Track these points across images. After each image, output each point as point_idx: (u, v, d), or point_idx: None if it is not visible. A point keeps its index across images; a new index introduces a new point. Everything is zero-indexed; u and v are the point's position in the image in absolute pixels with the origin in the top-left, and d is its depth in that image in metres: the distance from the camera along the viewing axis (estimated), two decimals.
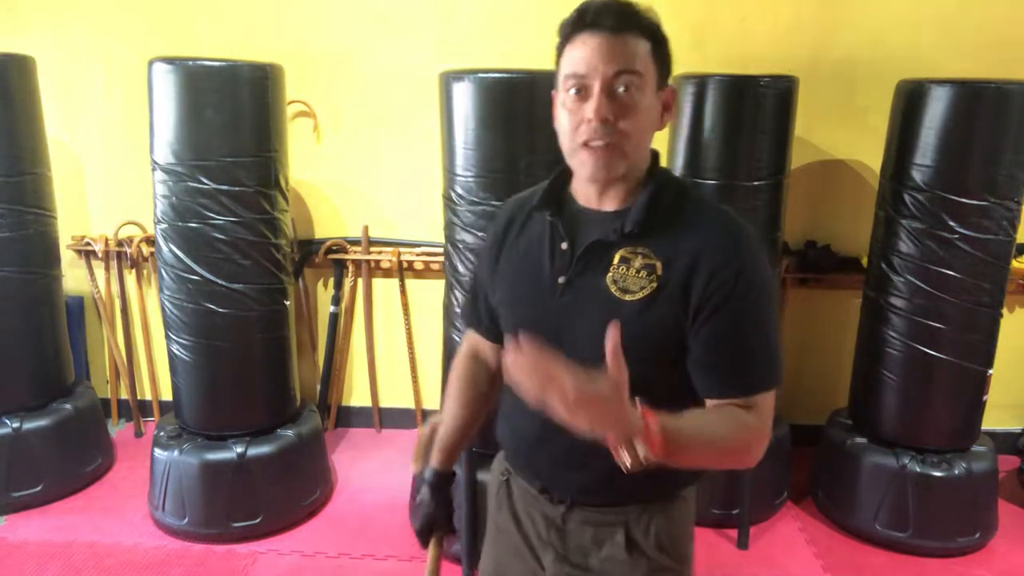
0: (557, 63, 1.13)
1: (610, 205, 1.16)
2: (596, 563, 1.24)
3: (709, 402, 1.13)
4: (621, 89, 1.06)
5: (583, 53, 1.07)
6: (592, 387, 0.88)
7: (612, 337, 0.91)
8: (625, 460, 0.93)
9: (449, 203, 2.53)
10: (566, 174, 1.22)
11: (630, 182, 1.15)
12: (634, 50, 1.06)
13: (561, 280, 1.16)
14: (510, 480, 1.35)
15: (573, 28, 1.08)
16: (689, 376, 1.14)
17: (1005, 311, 2.69)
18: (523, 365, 0.89)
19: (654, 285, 1.10)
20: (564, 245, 1.16)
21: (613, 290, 1.12)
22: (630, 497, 1.22)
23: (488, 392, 1.40)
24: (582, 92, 1.08)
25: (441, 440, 1.39)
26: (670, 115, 1.15)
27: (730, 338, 1.10)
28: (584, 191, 1.19)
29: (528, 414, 1.08)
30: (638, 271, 1.11)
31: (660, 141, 3.12)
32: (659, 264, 1.10)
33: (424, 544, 1.41)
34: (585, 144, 1.08)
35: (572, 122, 1.09)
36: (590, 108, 1.06)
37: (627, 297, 1.11)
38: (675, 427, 0.96)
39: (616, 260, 1.13)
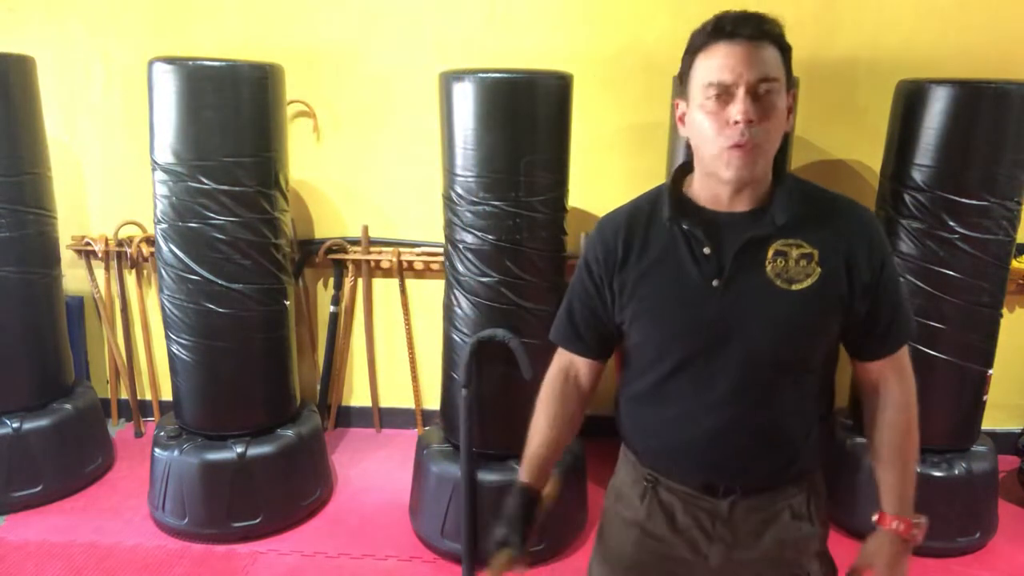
0: (688, 72, 1.18)
1: (742, 206, 1.22)
2: (768, 543, 1.31)
3: (869, 364, 1.30)
4: (762, 93, 1.12)
5: (726, 61, 1.12)
6: None
7: None
8: None
9: (449, 203, 2.53)
10: (680, 179, 1.28)
11: (761, 182, 1.21)
12: (771, 58, 1.14)
13: (716, 283, 1.20)
14: (656, 486, 1.34)
15: (711, 37, 1.15)
16: (834, 347, 1.29)
17: (1005, 311, 2.69)
18: None
19: (819, 271, 1.19)
20: (707, 250, 1.20)
21: (778, 283, 1.19)
22: (796, 475, 1.31)
23: (576, 412, 1.43)
24: (723, 97, 1.12)
25: (530, 458, 1.39)
26: (793, 116, 1.23)
27: (894, 304, 1.25)
28: (711, 195, 1.23)
29: (703, 417, 1.25)
30: (797, 261, 1.19)
31: (661, 141, 3.11)
32: (816, 252, 1.19)
33: (496, 549, 1.32)
34: (733, 146, 1.13)
35: (715, 126, 1.13)
36: (736, 111, 1.11)
37: (794, 287, 1.19)
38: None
39: (771, 254, 1.19)
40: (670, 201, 1.24)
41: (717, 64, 1.13)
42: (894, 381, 1.29)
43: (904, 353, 1.29)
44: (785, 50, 1.18)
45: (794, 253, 1.19)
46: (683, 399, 1.27)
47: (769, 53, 1.14)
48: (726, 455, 1.27)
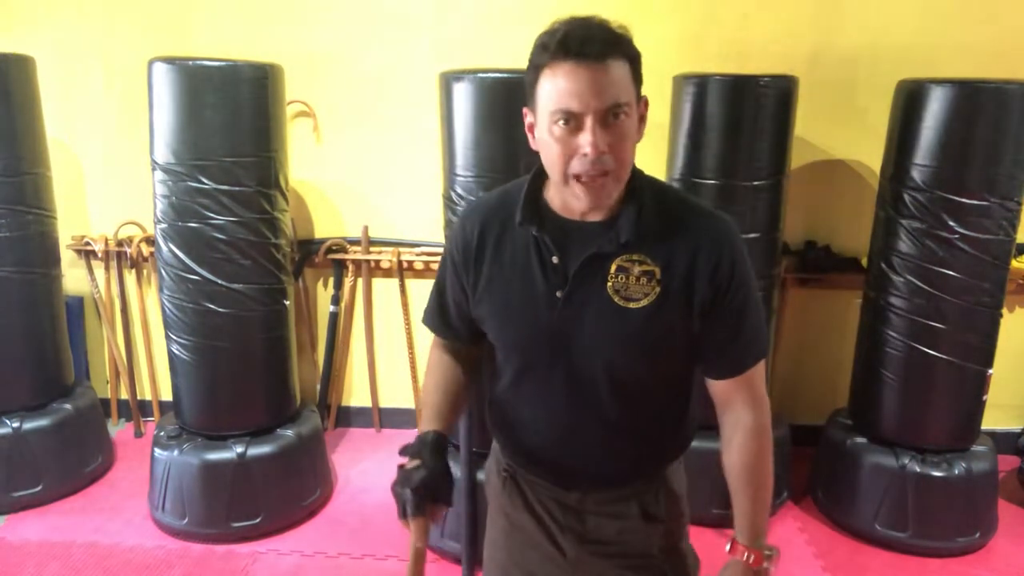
0: (534, 85, 1.10)
1: (595, 216, 1.17)
2: (613, 534, 1.30)
3: (715, 383, 1.23)
4: (612, 118, 1.06)
5: (574, 87, 1.04)
6: None
7: None
8: None
9: (449, 203, 2.53)
10: (539, 181, 1.21)
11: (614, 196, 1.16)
12: (620, 78, 1.06)
13: (559, 294, 1.17)
14: (515, 476, 1.37)
15: (555, 55, 1.05)
16: (687, 361, 1.24)
17: (1005, 311, 2.69)
18: None
19: (657, 290, 1.15)
20: (555, 259, 1.17)
21: (616, 299, 1.15)
22: (640, 476, 1.31)
23: (466, 379, 1.41)
24: (572, 124, 1.06)
25: (432, 416, 1.33)
26: (644, 124, 1.16)
27: (736, 323, 1.19)
28: (563, 203, 1.18)
29: (548, 422, 1.26)
30: (638, 278, 1.15)
31: (660, 141, 3.11)
32: (658, 270, 1.15)
33: (417, 513, 1.20)
34: (578, 176, 1.08)
35: (563, 154, 1.08)
36: (585, 141, 1.05)
37: (632, 305, 1.15)
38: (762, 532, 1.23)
39: (613, 269, 1.15)
40: (524, 204, 1.19)
41: (563, 89, 1.05)
42: (743, 404, 1.22)
43: (754, 375, 1.22)
44: (635, 60, 1.10)
45: (636, 270, 1.15)
46: (531, 404, 1.28)
47: (618, 71, 1.06)
48: (570, 460, 1.28)
